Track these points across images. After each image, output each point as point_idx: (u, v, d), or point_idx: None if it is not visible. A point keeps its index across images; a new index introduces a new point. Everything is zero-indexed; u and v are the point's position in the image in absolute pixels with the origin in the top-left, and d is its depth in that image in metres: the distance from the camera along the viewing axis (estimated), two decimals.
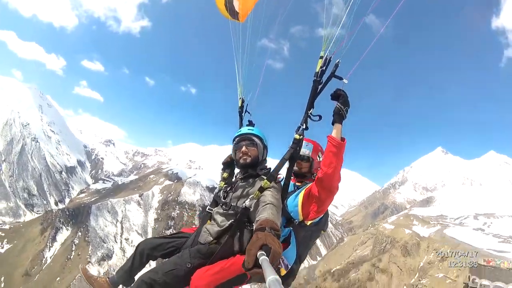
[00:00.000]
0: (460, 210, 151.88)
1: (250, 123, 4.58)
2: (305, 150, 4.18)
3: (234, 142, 3.83)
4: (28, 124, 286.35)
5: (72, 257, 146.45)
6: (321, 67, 3.57)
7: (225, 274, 3.12)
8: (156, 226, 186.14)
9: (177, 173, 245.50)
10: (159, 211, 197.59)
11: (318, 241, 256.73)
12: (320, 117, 3.61)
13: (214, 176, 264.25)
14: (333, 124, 3.50)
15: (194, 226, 4.27)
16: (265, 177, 3.43)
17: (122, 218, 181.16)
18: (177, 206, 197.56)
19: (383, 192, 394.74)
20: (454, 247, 78.11)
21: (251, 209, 3.27)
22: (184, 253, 3.35)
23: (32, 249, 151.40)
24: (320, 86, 3.61)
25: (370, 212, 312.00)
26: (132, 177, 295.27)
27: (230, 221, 3.40)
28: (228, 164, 4.22)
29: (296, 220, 3.81)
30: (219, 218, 3.53)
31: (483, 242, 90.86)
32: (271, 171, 3.59)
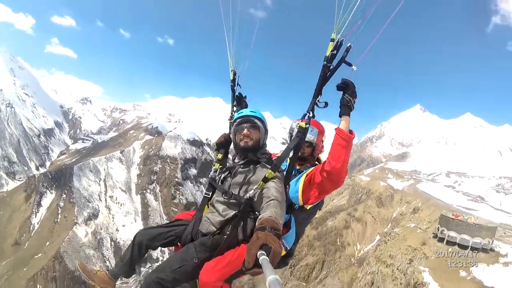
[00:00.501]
0: (433, 167, 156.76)
1: (241, 98, 4.60)
2: (309, 136, 4.05)
3: (235, 123, 3.64)
4: (1, 90, 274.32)
5: (59, 220, 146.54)
6: (331, 51, 3.31)
7: (233, 267, 3.13)
8: (139, 181, 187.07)
9: (157, 127, 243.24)
10: (141, 166, 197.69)
11: None
12: (327, 104, 3.44)
13: (194, 129, 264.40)
14: (340, 116, 3.41)
15: (188, 211, 4.13)
16: (268, 166, 3.39)
17: (105, 176, 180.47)
18: (159, 161, 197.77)
19: (360, 145, 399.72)
20: (425, 201, 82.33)
21: (255, 199, 3.23)
22: (189, 248, 3.27)
23: (19, 218, 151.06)
24: (329, 72, 3.41)
25: (347, 164, 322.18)
26: (112, 134, 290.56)
27: (234, 211, 3.34)
28: (222, 145, 4.03)
29: (296, 205, 3.86)
30: (220, 207, 3.44)
31: (453, 198, 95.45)
32: (275, 160, 3.47)
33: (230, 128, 4.20)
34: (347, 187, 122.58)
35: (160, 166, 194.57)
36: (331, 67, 3.36)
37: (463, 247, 34.47)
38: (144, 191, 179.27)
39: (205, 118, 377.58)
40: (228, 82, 4.67)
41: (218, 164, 3.89)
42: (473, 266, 27.59)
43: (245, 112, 3.67)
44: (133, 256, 3.56)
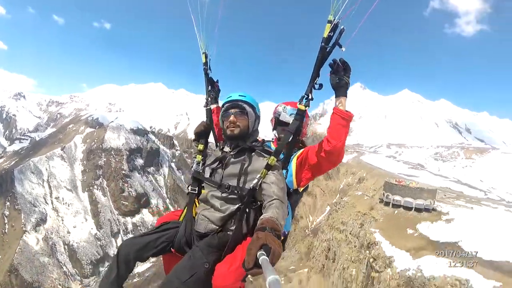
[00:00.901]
0: (375, 140, 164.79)
1: (213, 83, 4.31)
2: None
3: (223, 108, 3.41)
4: None
5: (6, 230, 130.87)
6: (329, 33, 3.15)
7: None
8: (85, 178, 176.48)
9: (97, 118, 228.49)
10: (85, 162, 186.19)
11: None
12: (321, 85, 3.28)
13: (137, 117, 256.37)
14: (338, 96, 3.28)
15: (173, 211, 3.75)
16: (265, 154, 3.22)
17: (48, 177, 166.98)
18: (103, 154, 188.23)
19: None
20: (369, 171, 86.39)
21: (257, 189, 3.02)
22: (195, 252, 2.88)
23: None
24: (326, 54, 3.23)
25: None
26: (50, 130, 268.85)
27: (235, 204, 3.10)
28: (202, 134, 3.76)
29: (291, 190, 3.70)
30: (216, 202, 3.17)
31: (395, 167, 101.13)
32: (277, 145, 3.22)
33: (207, 115, 4.03)
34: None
35: (105, 159, 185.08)
36: (328, 49, 3.17)
37: (407, 208, 36.93)
38: (91, 188, 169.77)
39: (148, 105, 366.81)
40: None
41: (200, 156, 3.63)
42: (418, 224, 30.33)
43: (233, 96, 3.40)
44: (120, 272, 3.06)
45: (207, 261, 2.80)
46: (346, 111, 3.22)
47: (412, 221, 32.51)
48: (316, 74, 3.23)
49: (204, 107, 4.11)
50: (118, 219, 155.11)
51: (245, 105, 3.34)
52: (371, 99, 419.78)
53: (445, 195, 51.89)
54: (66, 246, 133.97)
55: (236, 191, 3.12)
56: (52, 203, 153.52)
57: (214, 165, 3.37)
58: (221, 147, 3.51)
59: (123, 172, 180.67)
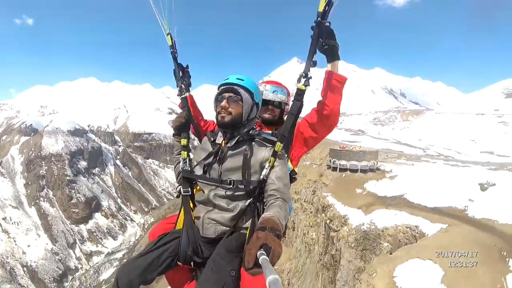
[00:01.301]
0: None
1: (183, 69, 3.76)
2: (281, 96, 3.85)
3: (217, 91, 3.04)
4: None
5: None
6: (324, 7, 2.89)
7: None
8: (29, 191, 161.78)
9: (31, 124, 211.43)
10: (25, 174, 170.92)
11: None
12: (316, 63, 3.03)
13: (72, 117, 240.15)
14: (330, 60, 3.15)
15: (165, 219, 3.37)
16: (266, 144, 2.90)
17: None
18: (43, 162, 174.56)
19: None
20: None
21: (266, 180, 2.79)
22: (217, 262, 2.53)
23: None
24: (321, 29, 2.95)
25: None
26: None
27: (245, 200, 2.84)
28: (183, 127, 3.38)
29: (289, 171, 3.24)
30: (222, 202, 2.85)
31: (338, 135, 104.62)
32: (282, 130, 2.97)
33: (183, 105, 3.61)
34: None
35: (46, 167, 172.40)
36: (325, 24, 2.89)
37: (353, 171, 38.56)
38: (37, 201, 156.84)
39: (82, 102, 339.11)
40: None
41: (186, 152, 3.21)
42: (365, 183, 32.12)
43: (230, 78, 3.03)
44: None
45: (233, 268, 2.49)
46: (341, 74, 3.16)
47: (359, 181, 34.18)
48: (314, 51, 2.97)
49: (178, 96, 3.74)
50: (71, 229, 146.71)
51: (241, 90, 2.92)
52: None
53: (387, 156, 54.28)
54: (25, 268, 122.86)
55: (242, 186, 2.81)
56: (0, 225, 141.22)
57: (209, 160, 2.96)
58: (212, 139, 3.08)
59: (68, 178, 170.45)
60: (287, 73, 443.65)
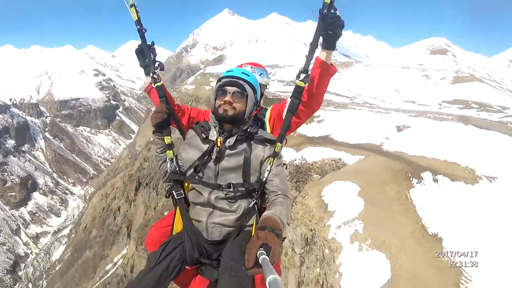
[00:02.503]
0: None
1: (148, 47, 3.19)
2: (266, 79, 3.97)
3: (219, 83, 2.84)
4: None
5: None
6: None
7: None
8: None
9: None
10: None
11: (126, 119, 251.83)
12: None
13: None
14: (326, 47, 2.85)
15: (157, 227, 3.23)
16: (266, 143, 2.80)
17: None
18: None
19: (176, 57, 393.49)
20: None
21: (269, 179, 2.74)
22: (233, 266, 2.43)
23: None
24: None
25: (168, 78, 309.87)
26: None
27: (246, 200, 2.79)
28: (164, 123, 2.99)
29: None
30: (223, 204, 2.76)
31: (271, 86, 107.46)
32: (281, 130, 2.88)
33: (160, 95, 3.14)
34: (175, 100, 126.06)
35: None
36: (332, 16, 2.62)
37: None
38: None
39: (0, 75, 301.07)
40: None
41: (171, 152, 2.98)
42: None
43: (235, 72, 2.83)
44: None
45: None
46: (331, 65, 2.92)
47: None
48: (315, 46, 2.83)
49: (152, 83, 3.20)
50: (12, 215, 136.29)
51: (246, 86, 2.77)
52: (240, 25, 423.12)
53: None
54: None
55: (244, 187, 2.74)
56: None
57: (203, 160, 2.80)
58: (204, 135, 2.84)
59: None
60: (219, 26, 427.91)
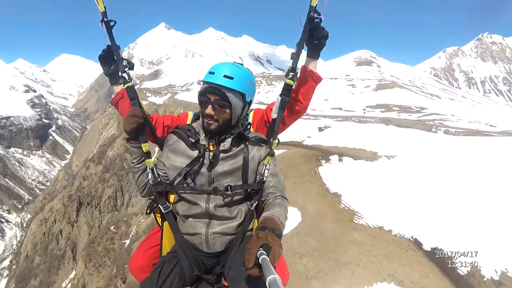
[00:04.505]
0: (185, 78, 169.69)
1: (112, 46, 2.70)
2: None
3: (201, 88, 2.49)
4: None
5: None
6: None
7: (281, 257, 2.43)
8: None
9: None
10: None
11: (60, 139, 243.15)
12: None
13: None
14: (311, 57, 2.83)
15: (144, 249, 2.87)
16: (260, 143, 2.64)
17: None
18: None
19: None
20: (186, 106, 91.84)
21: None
22: (244, 275, 2.21)
23: None
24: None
25: (103, 94, 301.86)
26: None
27: (249, 203, 2.60)
28: (139, 129, 2.56)
29: None
30: (223, 211, 2.52)
31: None
32: (272, 129, 2.78)
33: (131, 97, 2.72)
34: (111, 117, 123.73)
35: None
36: (317, 20, 2.59)
37: None
38: None
39: None
40: None
41: (150, 160, 2.65)
42: None
43: (217, 76, 2.40)
44: None
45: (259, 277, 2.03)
46: (316, 73, 2.89)
47: None
48: (302, 46, 2.72)
49: (121, 84, 2.77)
50: None
51: (229, 94, 2.41)
52: (177, 39, 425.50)
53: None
54: None
55: (241, 190, 2.55)
56: None
57: (194, 166, 2.51)
58: (193, 140, 2.56)
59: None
60: (155, 40, 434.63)
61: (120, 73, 2.74)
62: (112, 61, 2.82)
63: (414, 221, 12.27)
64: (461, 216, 12.45)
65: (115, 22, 2.62)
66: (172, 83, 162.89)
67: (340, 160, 18.73)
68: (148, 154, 2.62)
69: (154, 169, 2.62)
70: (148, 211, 2.74)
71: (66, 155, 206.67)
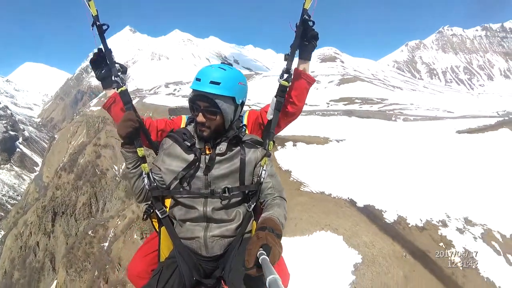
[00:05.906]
0: (152, 82, 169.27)
1: (104, 49, 2.74)
2: None
3: (190, 95, 2.44)
4: None
5: None
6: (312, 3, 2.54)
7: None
8: None
9: None
10: None
11: (27, 151, 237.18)
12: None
13: None
14: (303, 59, 2.81)
15: (141, 255, 2.82)
16: (256, 145, 2.59)
17: None
18: None
19: (76, 78, 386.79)
20: (155, 110, 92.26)
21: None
22: (249, 277, 2.04)
23: None
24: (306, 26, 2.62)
25: (69, 102, 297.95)
26: None
27: (247, 205, 2.56)
28: (134, 133, 2.50)
29: None
30: (221, 213, 2.49)
31: (176, 102, 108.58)
32: (268, 129, 2.74)
33: (125, 101, 2.66)
34: (79, 124, 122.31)
35: None
36: (311, 22, 2.60)
37: None
38: None
39: None
40: None
41: (146, 165, 2.54)
42: None
43: (203, 83, 2.31)
44: None
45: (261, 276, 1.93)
46: (309, 75, 2.84)
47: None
48: (295, 48, 2.69)
49: (115, 88, 2.75)
50: None
51: (218, 101, 2.32)
52: (142, 42, 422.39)
53: None
54: None
55: (239, 192, 2.51)
56: None
57: (190, 170, 2.45)
58: (188, 143, 2.49)
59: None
60: (120, 44, 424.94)
61: (113, 77, 2.72)
62: (103, 65, 2.85)
63: (352, 186, 14.07)
64: (393, 180, 14.36)
65: (108, 26, 2.65)
66: (140, 87, 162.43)
67: (294, 145, 20.34)
68: (143, 159, 2.57)
69: (150, 173, 2.56)
70: (145, 216, 2.70)
71: (35, 167, 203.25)
